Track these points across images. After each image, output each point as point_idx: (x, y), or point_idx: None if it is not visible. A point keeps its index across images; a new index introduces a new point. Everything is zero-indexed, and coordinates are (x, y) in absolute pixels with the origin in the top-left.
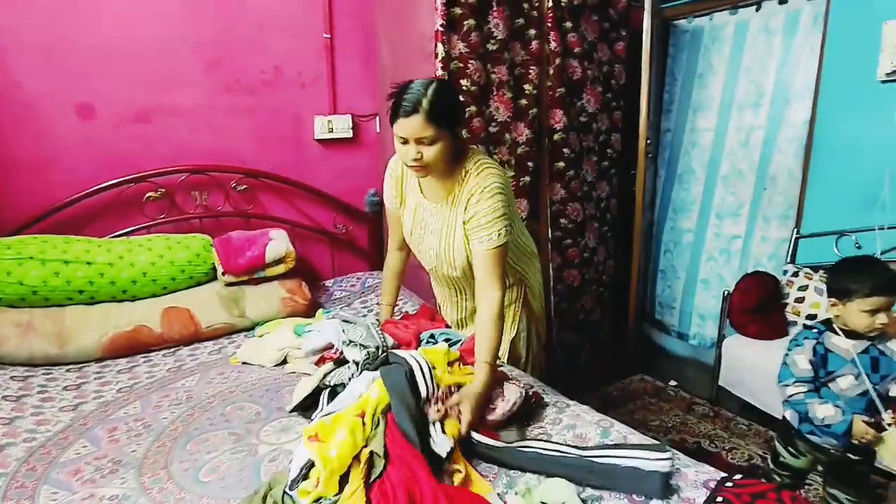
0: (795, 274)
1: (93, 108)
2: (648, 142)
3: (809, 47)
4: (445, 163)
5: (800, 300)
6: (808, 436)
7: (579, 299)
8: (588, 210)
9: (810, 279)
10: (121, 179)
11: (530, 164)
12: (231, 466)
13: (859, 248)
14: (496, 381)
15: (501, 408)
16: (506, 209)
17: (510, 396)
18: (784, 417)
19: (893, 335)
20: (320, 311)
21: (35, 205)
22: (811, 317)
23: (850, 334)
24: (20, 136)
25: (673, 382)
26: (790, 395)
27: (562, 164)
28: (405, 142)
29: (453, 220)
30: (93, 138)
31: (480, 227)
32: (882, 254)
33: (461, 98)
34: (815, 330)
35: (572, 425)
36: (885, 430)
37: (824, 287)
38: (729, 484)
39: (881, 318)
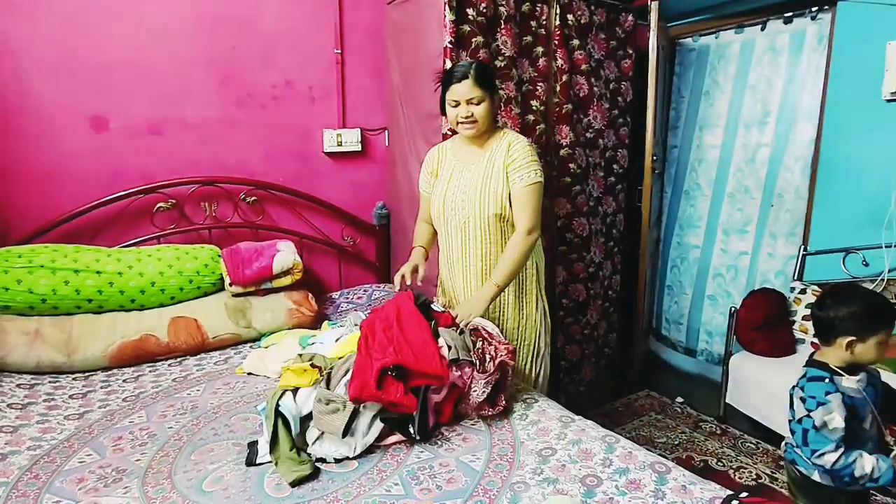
0: (803, 291)
1: (106, 121)
2: (654, 158)
3: (815, 66)
4: (489, 124)
5: (808, 318)
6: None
7: (585, 314)
8: (594, 225)
9: (817, 296)
10: (132, 190)
11: None
12: (235, 477)
13: (867, 265)
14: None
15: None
16: (537, 158)
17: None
18: (809, 482)
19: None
20: (326, 322)
21: (47, 214)
22: None
23: (847, 370)
24: (34, 146)
25: (680, 399)
26: (833, 464)
27: (568, 179)
28: (457, 105)
29: (490, 170)
30: (106, 150)
31: (521, 166)
32: (890, 271)
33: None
34: (826, 380)
35: (577, 440)
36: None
37: None
38: (735, 502)
39: (886, 347)
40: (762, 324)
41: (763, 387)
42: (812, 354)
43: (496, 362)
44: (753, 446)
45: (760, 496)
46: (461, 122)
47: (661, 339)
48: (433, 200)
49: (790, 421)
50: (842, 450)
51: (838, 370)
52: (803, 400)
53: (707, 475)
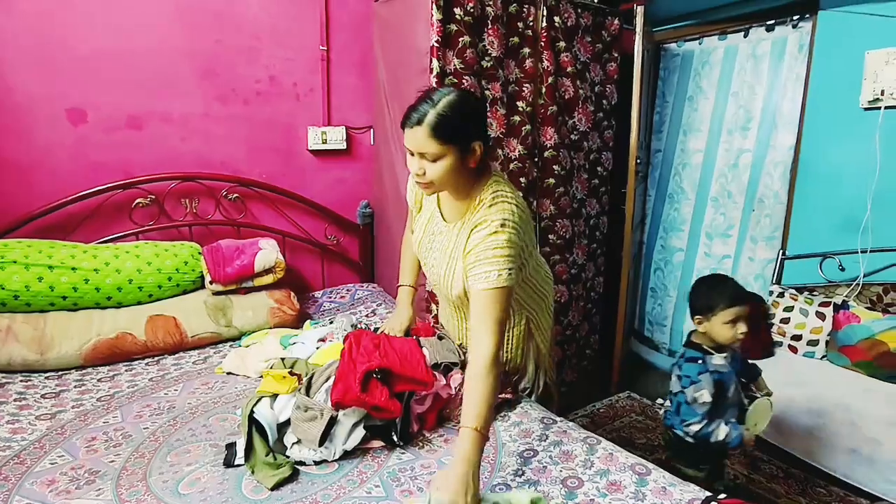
0: (781, 295)
1: (84, 114)
2: (639, 161)
3: (795, 74)
4: (455, 183)
5: (785, 321)
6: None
7: (567, 315)
8: (577, 227)
9: (795, 300)
10: (110, 185)
11: (522, 179)
12: (212, 479)
13: (843, 269)
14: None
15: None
16: (512, 249)
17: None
18: (680, 441)
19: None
20: (308, 322)
21: (21, 209)
22: (796, 337)
23: (717, 349)
24: (8, 138)
25: (660, 400)
26: (696, 432)
27: (552, 180)
28: (412, 153)
29: (458, 248)
30: (83, 143)
31: (479, 262)
32: (865, 276)
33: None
34: (698, 361)
35: (558, 442)
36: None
37: (809, 308)
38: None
39: (741, 328)
40: None
41: None
42: (690, 334)
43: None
44: None
45: (738, 497)
46: (415, 178)
47: (644, 341)
48: (415, 238)
49: (669, 392)
50: (706, 421)
51: (709, 350)
52: (679, 378)
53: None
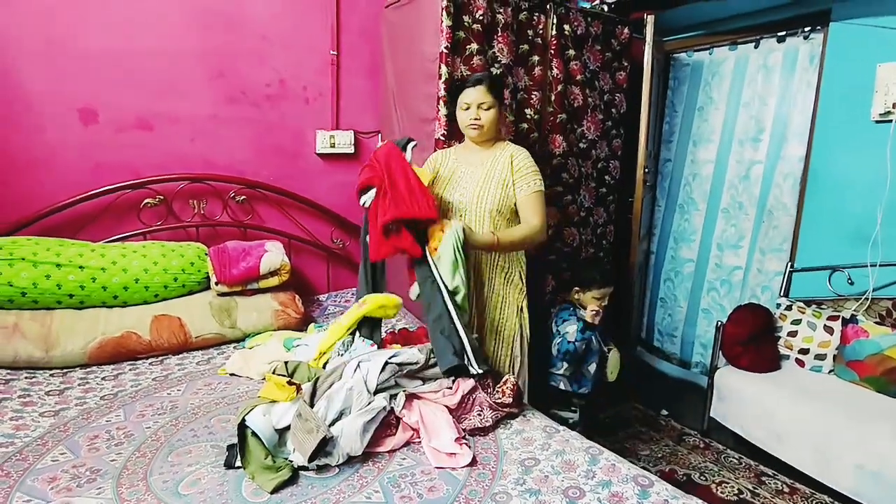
0: (789, 307)
1: (95, 113)
2: (647, 170)
3: (806, 85)
4: (493, 130)
5: (792, 334)
6: (580, 391)
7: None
8: (584, 235)
9: (803, 313)
10: (119, 185)
11: None
12: (212, 480)
13: (852, 283)
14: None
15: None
16: (538, 170)
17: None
18: (561, 390)
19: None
20: (312, 325)
21: (31, 206)
22: (804, 351)
23: (589, 327)
24: (20, 137)
25: (665, 412)
26: (566, 352)
27: (560, 188)
28: (468, 108)
29: (492, 172)
30: (94, 143)
31: (526, 175)
32: (874, 290)
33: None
34: (571, 309)
35: (561, 451)
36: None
37: (817, 322)
38: None
39: (603, 304)
40: (747, 339)
41: (747, 402)
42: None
43: (510, 395)
44: (736, 461)
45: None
46: (469, 125)
47: (653, 351)
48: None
49: (554, 352)
50: (564, 346)
51: (577, 305)
52: (556, 321)
53: (689, 489)
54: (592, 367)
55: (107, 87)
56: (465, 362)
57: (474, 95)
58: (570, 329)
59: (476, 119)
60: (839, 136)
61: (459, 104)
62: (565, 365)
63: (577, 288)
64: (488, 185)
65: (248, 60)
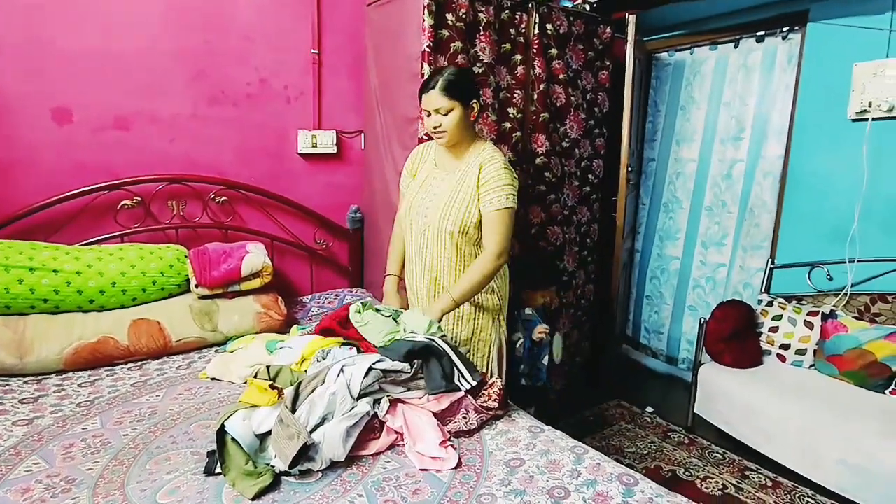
0: (770, 304)
1: (70, 113)
2: (630, 169)
3: (784, 85)
4: (461, 135)
5: (774, 330)
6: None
7: (556, 322)
8: (568, 234)
9: (784, 309)
10: (95, 186)
11: None
12: (191, 488)
13: (831, 279)
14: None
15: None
16: (512, 182)
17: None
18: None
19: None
20: (295, 327)
21: (3, 209)
22: (785, 346)
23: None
24: None
25: (650, 409)
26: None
27: (543, 187)
28: (430, 114)
29: (459, 186)
30: (68, 143)
31: (493, 189)
32: (853, 286)
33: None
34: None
35: (545, 451)
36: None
37: (798, 318)
38: None
39: (548, 301)
40: (730, 335)
41: (730, 397)
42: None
43: (497, 399)
44: (720, 456)
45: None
46: (433, 132)
47: (640, 348)
48: (408, 200)
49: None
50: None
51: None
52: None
53: (674, 485)
54: (546, 360)
55: (82, 87)
56: (456, 381)
57: (429, 101)
58: (519, 343)
59: (436, 128)
60: (817, 134)
61: (422, 108)
62: (522, 366)
63: (527, 289)
64: (453, 201)
65: (228, 59)
